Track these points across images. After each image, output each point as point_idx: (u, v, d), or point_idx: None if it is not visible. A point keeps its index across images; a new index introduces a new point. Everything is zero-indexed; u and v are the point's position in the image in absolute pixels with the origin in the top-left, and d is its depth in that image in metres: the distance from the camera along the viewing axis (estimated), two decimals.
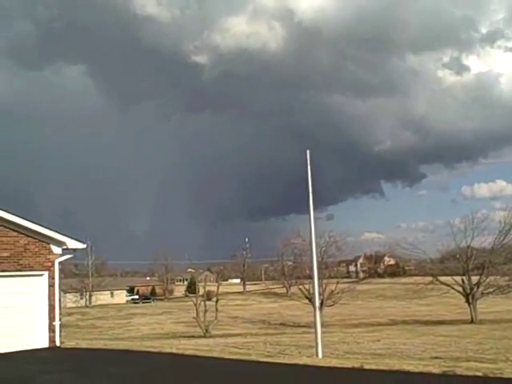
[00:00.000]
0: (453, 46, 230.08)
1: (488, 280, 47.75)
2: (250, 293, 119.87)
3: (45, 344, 17.97)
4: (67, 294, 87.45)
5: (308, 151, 16.89)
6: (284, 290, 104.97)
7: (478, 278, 48.03)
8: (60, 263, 18.76)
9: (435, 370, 11.85)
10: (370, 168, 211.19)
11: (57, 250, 18.57)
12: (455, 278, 50.06)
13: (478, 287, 47.17)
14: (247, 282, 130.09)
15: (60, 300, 18.82)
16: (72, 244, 18.85)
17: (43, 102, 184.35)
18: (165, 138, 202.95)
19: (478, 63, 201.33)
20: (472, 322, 45.32)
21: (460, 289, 48.38)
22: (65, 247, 18.73)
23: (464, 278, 48.68)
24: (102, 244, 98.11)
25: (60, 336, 18.49)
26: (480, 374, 11.17)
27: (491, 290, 47.88)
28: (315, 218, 17.45)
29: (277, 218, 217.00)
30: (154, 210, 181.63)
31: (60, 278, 18.74)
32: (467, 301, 47.44)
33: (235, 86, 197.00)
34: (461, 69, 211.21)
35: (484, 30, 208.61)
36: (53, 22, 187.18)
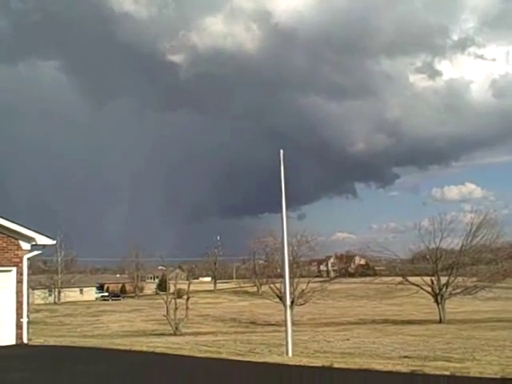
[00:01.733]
0: (426, 51, 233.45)
1: (456, 281, 48.41)
2: (220, 291, 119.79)
3: (12, 341, 17.72)
4: (35, 291, 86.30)
5: (281, 151, 16.89)
6: (255, 289, 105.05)
7: (446, 278, 48.68)
8: (29, 259, 18.51)
9: (404, 369, 11.95)
10: (344, 169, 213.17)
11: (25, 245, 18.31)
12: (424, 278, 50.64)
13: (446, 288, 47.79)
14: (218, 281, 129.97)
15: (28, 296, 18.57)
16: (41, 240, 18.60)
17: (16, 97, 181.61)
18: (139, 136, 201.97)
19: (450, 69, 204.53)
20: (440, 321, 45.90)
21: (429, 289, 48.93)
22: (34, 243, 18.47)
23: (433, 278, 49.25)
24: (72, 240, 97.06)
25: (27, 333, 18.26)
26: (447, 372, 11.29)
27: (459, 290, 48.56)
28: (287, 217, 17.46)
29: (251, 216, 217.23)
30: (127, 207, 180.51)
31: (28, 274, 18.49)
32: (436, 301, 48.03)
33: (211, 85, 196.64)
34: (433, 74, 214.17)
35: (456, 37, 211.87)
36: (28, 15, 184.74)
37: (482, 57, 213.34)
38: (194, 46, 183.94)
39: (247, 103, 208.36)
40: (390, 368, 12.19)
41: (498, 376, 10.92)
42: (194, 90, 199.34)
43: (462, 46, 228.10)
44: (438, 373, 11.32)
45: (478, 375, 11.00)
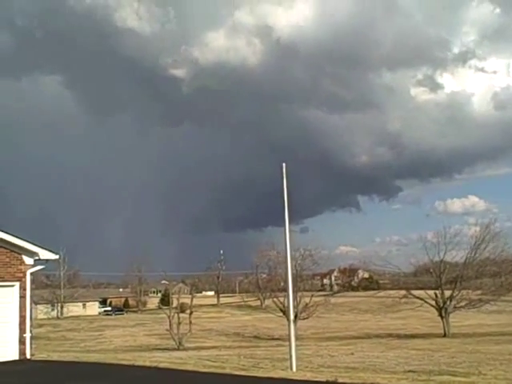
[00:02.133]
0: (427, 64, 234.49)
1: (460, 294, 48.22)
2: (224, 305, 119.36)
3: (15, 356, 17.64)
4: (38, 306, 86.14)
5: (284, 164, 16.91)
6: (258, 303, 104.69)
7: (450, 292, 48.48)
8: (32, 274, 18.47)
9: None
10: (346, 182, 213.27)
11: (29, 260, 18.27)
12: (428, 291, 50.43)
13: (450, 301, 47.59)
14: (221, 295, 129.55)
15: (31, 311, 18.50)
16: (44, 255, 18.56)
17: (19, 111, 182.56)
18: (141, 150, 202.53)
19: (451, 82, 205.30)
20: (445, 335, 45.69)
21: (433, 303, 48.74)
22: (37, 258, 18.42)
23: (437, 291, 49.08)
24: (75, 255, 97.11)
25: (30, 348, 18.17)
26: None
27: (463, 303, 48.35)
28: (290, 231, 17.44)
29: (254, 230, 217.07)
30: (129, 221, 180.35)
31: (31, 289, 18.43)
32: (440, 315, 47.83)
33: (213, 99, 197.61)
34: (435, 86, 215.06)
35: (456, 50, 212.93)
36: (32, 31, 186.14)
37: (482, 70, 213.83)
38: (196, 61, 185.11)
39: (249, 117, 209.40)
40: (394, 383, 12.13)
41: None
42: (195, 103, 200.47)
43: (463, 58, 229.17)
44: None
45: None
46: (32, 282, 18.63)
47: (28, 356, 17.96)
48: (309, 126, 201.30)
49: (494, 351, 27.19)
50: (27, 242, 18.22)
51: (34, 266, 18.49)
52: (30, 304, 18.36)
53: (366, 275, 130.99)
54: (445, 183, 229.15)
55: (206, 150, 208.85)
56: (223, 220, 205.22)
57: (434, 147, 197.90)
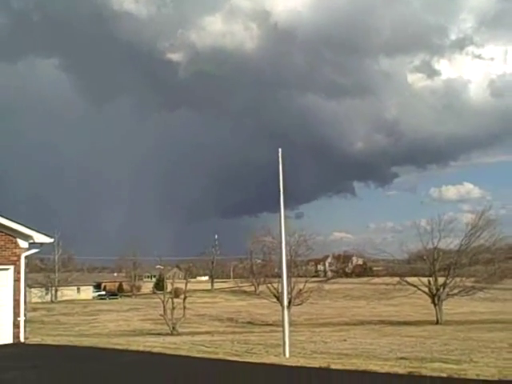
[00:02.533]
0: (424, 50, 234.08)
1: (454, 281, 48.43)
2: (218, 290, 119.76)
3: (9, 340, 17.67)
4: (32, 289, 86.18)
5: (280, 150, 16.88)
6: (252, 289, 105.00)
7: (444, 279, 48.68)
8: (26, 257, 18.45)
9: (401, 371, 11.94)
10: (343, 168, 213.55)
11: (23, 243, 18.26)
12: (422, 278, 50.62)
13: (444, 288, 47.79)
14: (216, 280, 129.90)
15: (25, 295, 18.50)
16: (39, 238, 18.54)
17: (15, 95, 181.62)
18: (138, 134, 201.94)
19: (448, 69, 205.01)
20: (437, 322, 45.94)
21: (426, 290, 48.94)
22: (31, 241, 18.41)
23: (430, 279, 49.26)
24: (69, 238, 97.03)
25: (24, 332, 18.21)
26: (444, 374, 11.29)
27: (457, 291, 48.57)
28: (286, 217, 17.46)
29: (250, 215, 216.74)
30: (125, 206, 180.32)
31: (26, 273, 18.43)
32: (433, 302, 48.04)
33: (210, 84, 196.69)
34: (432, 73, 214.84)
35: (454, 37, 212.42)
36: (28, 14, 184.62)
37: (479, 56, 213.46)
38: (193, 45, 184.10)
39: (246, 102, 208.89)
40: (387, 369, 12.19)
41: (495, 378, 10.92)
42: (192, 88, 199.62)
43: (461, 45, 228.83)
44: (434, 374, 11.32)
45: (475, 377, 11.00)
46: (26, 265, 18.62)
47: (22, 339, 18.00)
48: (306, 112, 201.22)
49: (486, 339, 27.36)
50: (22, 225, 18.19)
51: (28, 249, 18.48)
52: (25, 288, 18.37)
53: (360, 262, 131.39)
54: (440, 170, 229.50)
55: (203, 135, 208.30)
56: (219, 206, 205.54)
57: (431, 134, 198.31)
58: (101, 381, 11.86)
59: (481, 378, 10.93)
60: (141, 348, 17.65)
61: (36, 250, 19.05)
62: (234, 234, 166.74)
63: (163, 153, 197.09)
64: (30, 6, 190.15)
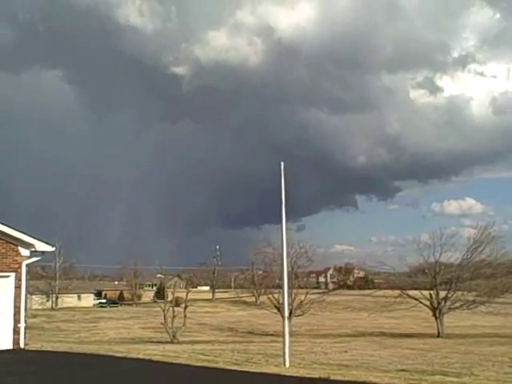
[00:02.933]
0: (427, 67, 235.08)
1: (455, 295, 48.34)
2: (219, 300, 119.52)
3: (9, 346, 17.68)
4: (33, 296, 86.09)
5: (282, 163, 16.94)
6: (253, 299, 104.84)
7: (445, 292, 48.60)
8: (27, 265, 18.48)
9: (401, 383, 11.92)
10: (345, 181, 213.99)
11: (24, 252, 18.29)
12: (423, 292, 50.55)
13: (445, 302, 47.72)
14: (217, 290, 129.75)
15: (26, 302, 18.51)
16: (40, 246, 18.57)
17: (18, 106, 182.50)
18: (140, 146, 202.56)
19: (450, 85, 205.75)
20: (439, 335, 45.82)
21: (428, 303, 48.86)
22: (33, 249, 18.44)
23: (432, 292, 49.18)
24: (71, 247, 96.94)
25: (25, 338, 18.21)
26: None
27: (458, 304, 48.48)
28: (287, 229, 17.48)
29: (251, 227, 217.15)
30: (127, 216, 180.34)
31: (26, 280, 18.45)
32: (434, 315, 47.94)
33: (213, 97, 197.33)
34: (434, 89, 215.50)
35: (456, 54, 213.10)
36: (33, 26, 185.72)
37: (482, 74, 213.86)
38: (198, 59, 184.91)
39: (249, 116, 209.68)
40: (386, 381, 12.16)
41: None
42: (196, 101, 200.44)
43: (463, 63, 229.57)
44: None
45: None
46: (27, 272, 18.65)
47: (22, 345, 18.00)
48: (309, 126, 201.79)
49: (487, 352, 27.29)
50: (23, 233, 18.23)
51: (29, 257, 18.51)
52: (25, 295, 18.38)
53: (361, 274, 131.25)
54: (442, 185, 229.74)
55: (205, 147, 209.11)
56: (221, 217, 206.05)
57: (433, 149, 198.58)
58: None
59: None
60: (141, 356, 17.64)
61: (37, 258, 19.07)
62: (236, 245, 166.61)
63: (165, 164, 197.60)
64: (36, 17, 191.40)
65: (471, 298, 50.22)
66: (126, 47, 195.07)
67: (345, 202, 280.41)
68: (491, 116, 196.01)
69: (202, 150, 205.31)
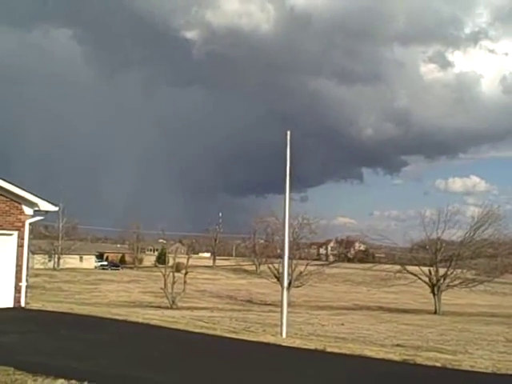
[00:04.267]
0: (439, 41, 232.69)
1: (455, 273, 48.51)
2: (219, 268, 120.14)
3: (10, 304, 17.82)
4: (35, 256, 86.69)
5: (288, 132, 16.86)
6: (253, 268, 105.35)
7: (445, 269, 48.75)
8: (30, 224, 18.53)
9: (396, 358, 12.03)
10: (351, 154, 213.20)
11: (28, 210, 18.30)
12: (423, 268, 50.71)
13: (444, 279, 47.88)
14: (217, 257, 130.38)
15: (28, 261, 18.63)
16: (44, 206, 18.58)
17: (27, 63, 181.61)
18: (148, 109, 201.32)
19: (461, 61, 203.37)
20: (436, 312, 46.08)
21: (427, 279, 49.02)
22: (36, 208, 18.46)
23: (431, 268, 49.34)
24: (74, 207, 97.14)
25: (25, 297, 18.35)
26: (439, 364, 11.37)
27: (457, 282, 48.69)
28: (290, 199, 17.50)
29: (256, 195, 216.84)
30: (132, 178, 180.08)
31: (29, 239, 18.52)
32: (432, 291, 48.14)
33: (223, 64, 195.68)
34: (445, 64, 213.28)
35: (468, 30, 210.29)
36: None
37: (493, 51, 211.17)
38: (209, 24, 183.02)
39: (258, 84, 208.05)
40: (382, 356, 12.28)
41: (488, 371, 10.99)
42: (206, 67, 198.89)
43: (475, 39, 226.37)
44: (429, 363, 11.40)
45: (469, 368, 11.08)
46: (30, 232, 18.71)
47: (22, 304, 18.15)
48: (318, 97, 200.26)
49: (483, 331, 27.48)
50: (27, 192, 18.21)
51: (33, 216, 18.53)
52: (28, 254, 18.48)
53: (362, 247, 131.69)
54: (449, 162, 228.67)
55: (212, 113, 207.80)
56: (226, 184, 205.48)
57: (441, 125, 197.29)
58: (96, 348, 11.97)
59: (475, 369, 11.01)
60: (140, 320, 17.81)
61: (41, 218, 19.11)
62: (239, 212, 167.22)
63: (172, 128, 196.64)
64: None
65: (470, 277, 50.41)
66: (136, 8, 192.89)
67: (350, 174, 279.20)
68: (501, 95, 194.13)
69: (210, 116, 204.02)
